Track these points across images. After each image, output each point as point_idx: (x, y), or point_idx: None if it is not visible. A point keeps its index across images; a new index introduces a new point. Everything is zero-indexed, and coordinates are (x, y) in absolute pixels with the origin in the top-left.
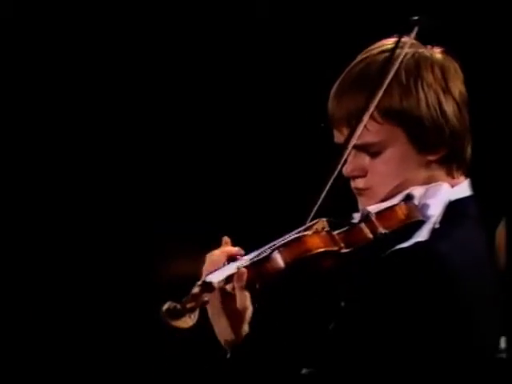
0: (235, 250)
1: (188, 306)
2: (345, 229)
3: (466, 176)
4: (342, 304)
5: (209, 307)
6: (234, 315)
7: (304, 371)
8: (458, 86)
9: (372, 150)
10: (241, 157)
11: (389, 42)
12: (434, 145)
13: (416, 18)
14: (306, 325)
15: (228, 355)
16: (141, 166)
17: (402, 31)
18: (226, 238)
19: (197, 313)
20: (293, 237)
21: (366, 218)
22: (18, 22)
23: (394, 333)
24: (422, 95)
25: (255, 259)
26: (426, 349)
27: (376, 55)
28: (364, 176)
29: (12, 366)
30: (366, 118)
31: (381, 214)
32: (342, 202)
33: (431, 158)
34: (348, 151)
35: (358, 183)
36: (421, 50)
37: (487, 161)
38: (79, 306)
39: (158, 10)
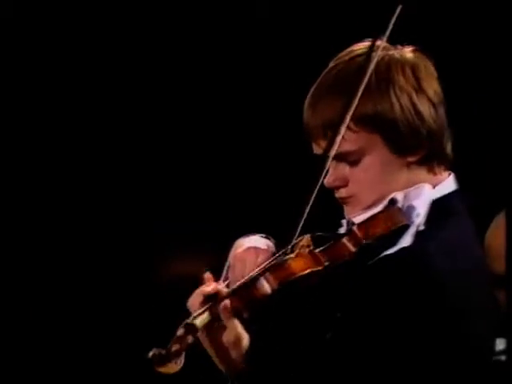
0: (220, 287)
1: (173, 350)
2: (327, 245)
3: (451, 170)
4: (338, 315)
5: (202, 342)
6: (228, 346)
7: None
8: (431, 85)
9: (351, 159)
10: (238, 157)
11: (359, 47)
12: (412, 147)
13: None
14: (303, 342)
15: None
16: (141, 166)
17: (377, 33)
18: (207, 275)
19: (183, 357)
20: (276, 262)
21: (348, 231)
22: (18, 22)
23: (387, 338)
24: (394, 99)
25: (240, 289)
26: (420, 353)
27: (348, 61)
28: (346, 185)
29: (12, 365)
30: (342, 128)
31: (364, 224)
32: (330, 210)
33: (411, 159)
34: (328, 163)
35: (341, 193)
36: (391, 52)
37: (485, 158)
38: (79, 305)
39: (158, 10)
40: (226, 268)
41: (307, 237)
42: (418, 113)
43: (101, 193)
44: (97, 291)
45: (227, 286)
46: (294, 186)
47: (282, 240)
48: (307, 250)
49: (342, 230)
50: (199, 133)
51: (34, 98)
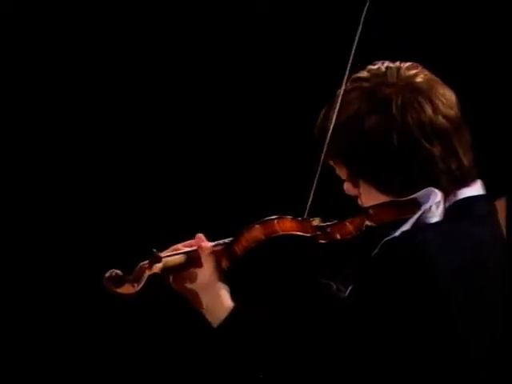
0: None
1: (132, 275)
2: (330, 223)
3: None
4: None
5: (177, 286)
6: (199, 291)
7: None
8: (413, 120)
9: (350, 182)
10: (242, 156)
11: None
12: (400, 187)
13: None
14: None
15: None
16: (141, 166)
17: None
18: (200, 235)
19: (141, 282)
20: (265, 219)
21: (358, 212)
22: (17, 18)
23: (379, 323)
24: (376, 140)
25: (223, 242)
26: (413, 343)
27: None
28: (358, 196)
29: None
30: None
31: (373, 207)
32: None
33: (406, 194)
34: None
35: (357, 200)
36: (381, 91)
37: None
38: (78, 305)
39: (158, 6)
40: None
41: (318, 218)
42: (405, 151)
43: (101, 193)
44: (96, 291)
45: None
46: (293, 186)
47: None
48: (301, 218)
49: None
50: (200, 130)
51: (33, 94)
